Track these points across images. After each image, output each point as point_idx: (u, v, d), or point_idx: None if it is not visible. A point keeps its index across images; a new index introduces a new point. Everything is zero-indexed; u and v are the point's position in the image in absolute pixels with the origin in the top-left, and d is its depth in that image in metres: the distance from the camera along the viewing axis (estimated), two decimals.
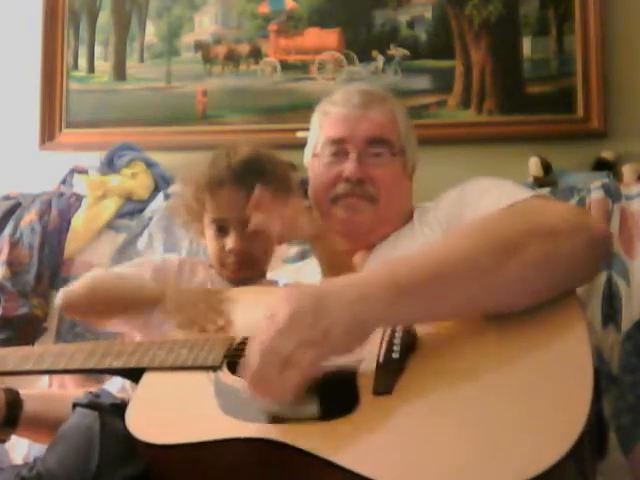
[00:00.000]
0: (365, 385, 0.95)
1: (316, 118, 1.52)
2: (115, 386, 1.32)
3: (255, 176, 1.34)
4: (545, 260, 1.01)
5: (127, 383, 1.28)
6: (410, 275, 0.98)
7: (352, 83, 2.03)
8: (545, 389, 0.89)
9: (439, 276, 0.99)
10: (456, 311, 1.01)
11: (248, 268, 1.37)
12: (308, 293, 0.96)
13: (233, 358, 1.08)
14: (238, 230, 1.34)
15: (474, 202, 1.27)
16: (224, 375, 1.06)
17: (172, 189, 2.06)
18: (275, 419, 0.93)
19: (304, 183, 1.54)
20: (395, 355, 0.99)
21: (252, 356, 0.94)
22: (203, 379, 1.06)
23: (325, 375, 0.94)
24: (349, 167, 1.41)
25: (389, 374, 0.96)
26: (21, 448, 1.72)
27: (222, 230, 1.36)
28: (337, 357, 0.95)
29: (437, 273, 0.99)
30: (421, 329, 1.03)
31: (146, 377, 1.09)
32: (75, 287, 1.33)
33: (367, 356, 1.00)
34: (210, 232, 1.38)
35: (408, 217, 1.47)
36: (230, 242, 1.34)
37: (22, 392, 1.34)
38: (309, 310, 0.93)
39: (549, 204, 1.15)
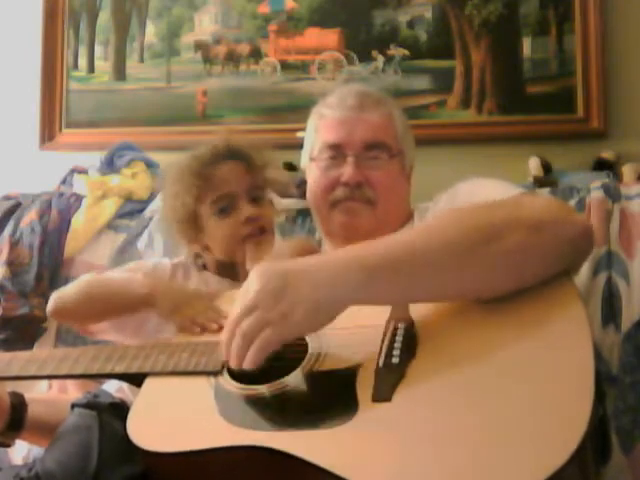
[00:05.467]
0: (364, 391, 0.95)
1: (312, 121, 1.52)
2: (113, 386, 1.31)
3: (242, 152, 1.38)
4: (527, 250, 1.02)
5: (125, 383, 1.27)
6: (383, 256, 1.00)
7: (348, 84, 2.03)
8: (547, 394, 0.88)
9: (413, 257, 1.00)
10: (432, 294, 1.02)
11: (267, 236, 1.37)
12: (277, 272, 1.00)
13: None
14: (248, 199, 1.36)
15: (466, 203, 1.27)
16: (224, 380, 1.06)
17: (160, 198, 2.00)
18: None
19: (303, 183, 1.54)
20: (395, 360, 0.99)
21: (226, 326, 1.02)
22: (204, 384, 1.05)
23: (325, 381, 0.94)
24: (347, 171, 1.41)
25: (388, 380, 0.95)
26: (21, 448, 1.72)
27: (225, 210, 1.35)
28: (297, 336, 1.00)
29: (411, 254, 1.00)
30: (422, 331, 1.03)
31: (147, 383, 1.09)
32: (66, 291, 1.33)
33: (367, 361, 1.00)
34: (212, 220, 1.36)
35: (407, 218, 1.47)
36: (245, 211, 1.34)
37: (27, 396, 1.33)
38: (271, 291, 0.98)
39: (535, 199, 1.16)
